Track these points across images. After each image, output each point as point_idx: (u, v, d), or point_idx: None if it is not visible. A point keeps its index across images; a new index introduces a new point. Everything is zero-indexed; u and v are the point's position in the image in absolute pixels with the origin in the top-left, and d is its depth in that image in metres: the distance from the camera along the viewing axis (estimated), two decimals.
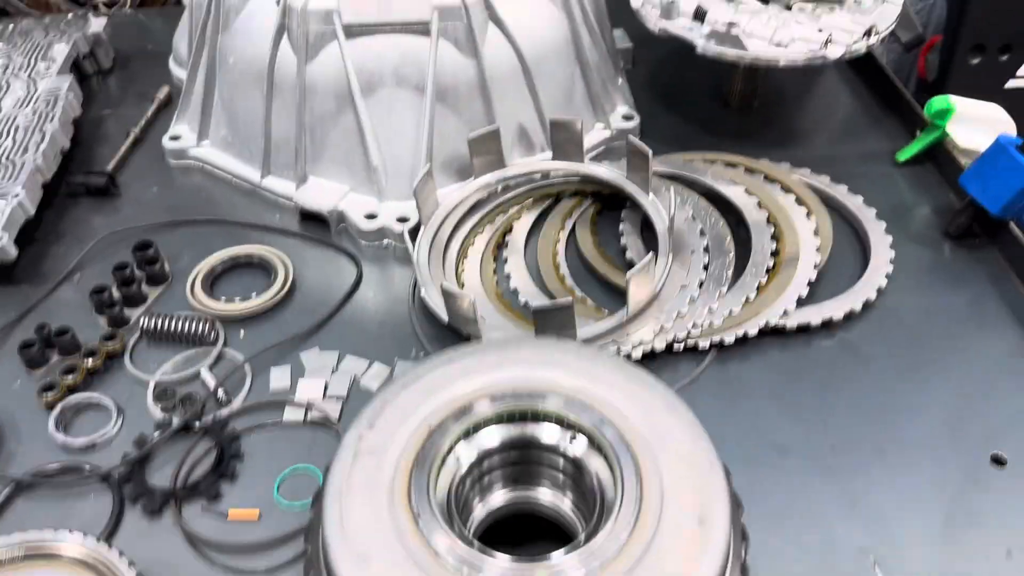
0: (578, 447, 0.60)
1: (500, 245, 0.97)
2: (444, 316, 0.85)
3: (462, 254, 0.95)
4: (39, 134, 1.00)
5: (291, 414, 0.80)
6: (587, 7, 1.03)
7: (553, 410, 0.60)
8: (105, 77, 1.24)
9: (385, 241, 0.97)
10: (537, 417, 0.60)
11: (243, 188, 1.04)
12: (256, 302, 0.89)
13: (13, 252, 0.88)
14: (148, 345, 0.86)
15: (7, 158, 0.97)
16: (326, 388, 0.81)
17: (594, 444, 0.59)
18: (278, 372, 0.83)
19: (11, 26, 1.22)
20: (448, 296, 0.82)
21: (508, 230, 0.98)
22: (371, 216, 0.97)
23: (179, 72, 1.19)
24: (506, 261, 0.94)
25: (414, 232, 0.95)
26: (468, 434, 0.59)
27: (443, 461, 0.57)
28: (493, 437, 0.60)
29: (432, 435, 0.58)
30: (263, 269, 0.94)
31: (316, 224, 1.00)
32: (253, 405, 0.80)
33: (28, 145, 0.98)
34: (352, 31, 0.91)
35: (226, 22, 0.97)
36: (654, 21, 1.02)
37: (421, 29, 0.92)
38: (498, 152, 0.98)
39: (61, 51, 1.14)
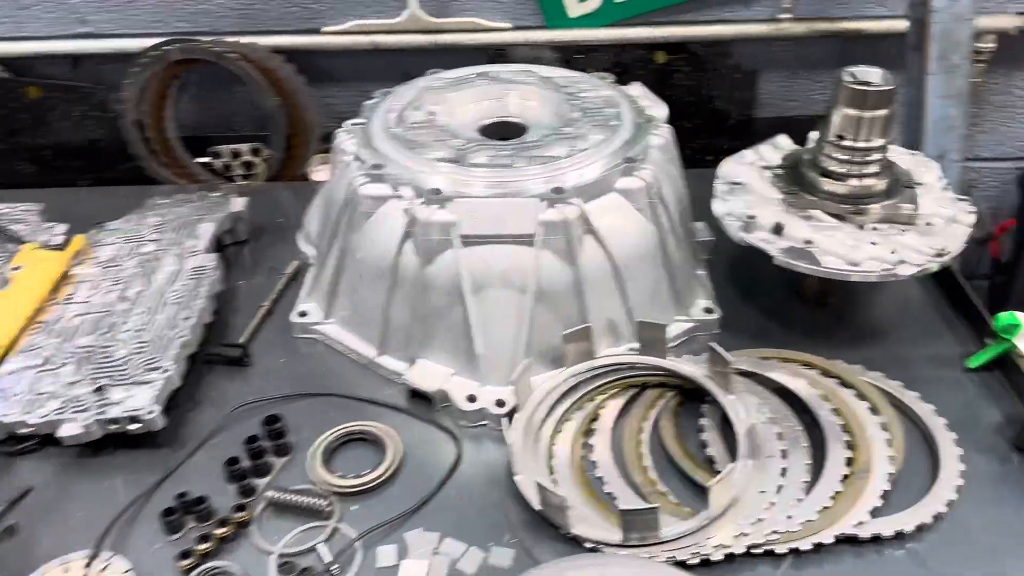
0: None
1: (588, 432, 1.05)
2: (535, 504, 0.93)
3: (553, 440, 1.03)
4: (187, 310, 1.15)
5: None
6: (673, 215, 1.15)
7: None
8: (242, 247, 1.40)
9: (484, 422, 1.07)
10: None
11: (359, 363, 1.17)
12: (368, 478, 0.99)
13: (162, 423, 1.01)
14: (273, 515, 0.97)
15: (160, 331, 1.11)
16: (428, 572, 0.90)
17: None
18: (385, 551, 0.92)
19: (160, 201, 1.40)
20: (542, 490, 0.91)
21: (595, 417, 1.07)
22: (471, 398, 1.07)
23: (307, 248, 1.35)
24: (592, 448, 1.03)
25: (510, 415, 1.05)
26: None
27: None
28: None
29: None
30: (375, 444, 1.04)
31: (422, 402, 1.11)
32: None
33: (177, 321, 1.13)
34: (467, 241, 1.04)
35: (358, 223, 1.11)
36: (734, 231, 1.13)
37: (527, 241, 1.04)
38: (589, 345, 1.09)
39: (207, 230, 1.31)
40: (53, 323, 1.16)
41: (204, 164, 1.60)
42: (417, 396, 1.11)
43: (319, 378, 1.16)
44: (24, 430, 1.02)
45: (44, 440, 1.04)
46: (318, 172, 1.59)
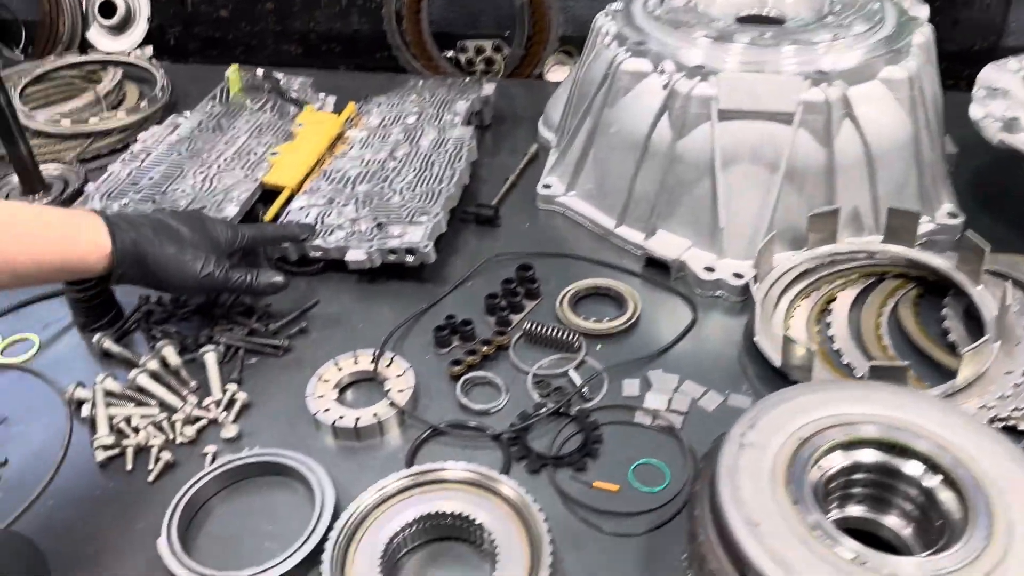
0: (934, 481, 0.70)
1: (823, 311, 1.09)
2: (775, 360, 0.98)
3: (789, 313, 1.08)
4: (451, 170, 1.27)
5: (640, 418, 0.96)
6: (930, 114, 1.14)
7: (921, 448, 0.71)
8: (484, 131, 1.52)
9: (719, 292, 1.12)
10: (905, 452, 0.72)
11: (597, 233, 1.25)
12: (611, 324, 1.07)
13: (434, 256, 1.13)
14: (525, 344, 1.07)
15: (428, 185, 1.24)
16: (669, 402, 0.97)
17: (949, 481, 0.69)
18: (630, 383, 1.00)
19: (420, 83, 1.54)
20: (788, 343, 0.95)
21: (832, 299, 1.10)
22: (710, 269, 1.13)
23: (546, 134, 1.44)
24: (829, 325, 1.06)
25: (745, 288, 1.10)
26: (846, 447, 0.71)
27: (817, 461, 0.70)
28: (868, 455, 0.72)
29: (807, 441, 0.71)
30: (615, 300, 1.13)
31: (656, 270, 1.17)
32: (609, 405, 0.98)
33: (443, 179, 1.25)
34: (725, 115, 1.09)
35: (614, 99, 1.19)
36: (993, 133, 1.11)
37: (784, 119, 1.08)
38: (832, 229, 1.11)
39: (463, 107, 1.43)
40: (333, 172, 1.32)
41: (449, 59, 1.72)
42: (652, 265, 1.18)
43: (560, 242, 1.25)
44: (315, 253, 1.18)
45: (326, 266, 1.20)
46: (554, 72, 1.68)
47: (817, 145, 1.09)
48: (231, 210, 1.23)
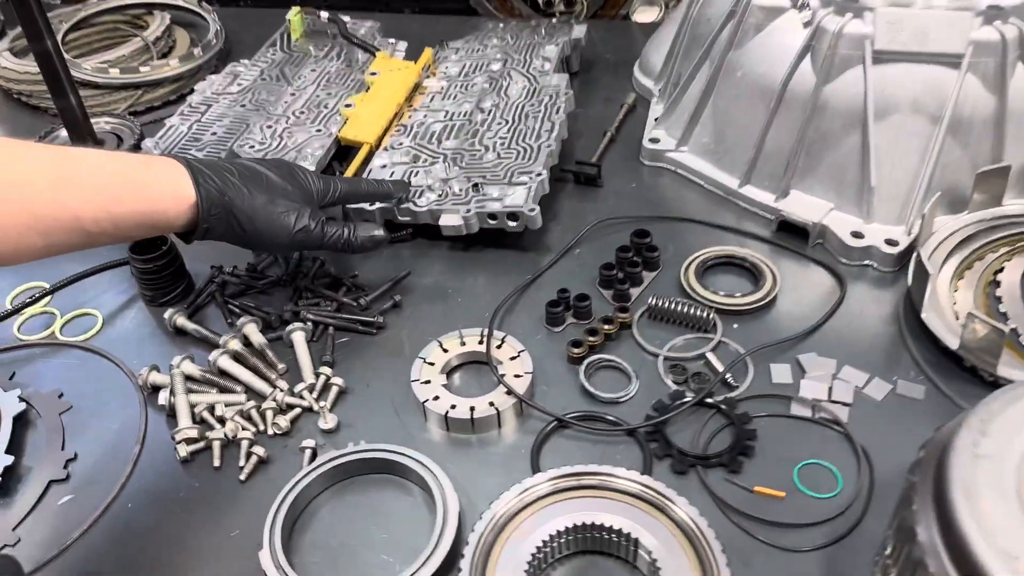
0: None
1: (990, 283, 0.95)
2: (951, 342, 0.85)
3: (952, 286, 0.94)
4: (548, 123, 1.13)
5: (797, 409, 0.84)
6: None
7: None
8: (572, 79, 1.37)
9: (868, 261, 0.99)
10: None
11: (715, 194, 1.11)
12: (749, 299, 0.94)
13: (540, 221, 1.00)
14: (648, 322, 0.95)
15: (525, 141, 1.10)
16: (830, 391, 0.85)
17: None
18: (779, 368, 0.87)
19: (500, 26, 1.39)
20: (971, 321, 0.82)
21: (999, 270, 0.96)
22: (857, 235, 0.99)
23: (645, 81, 1.30)
24: (1000, 299, 0.93)
25: (900, 257, 0.96)
26: None
27: None
28: None
29: None
30: (747, 271, 0.99)
31: (789, 236, 1.04)
32: (760, 394, 0.85)
33: (541, 133, 1.11)
34: (881, 58, 0.94)
35: (742, 40, 1.04)
36: None
37: (951, 62, 0.93)
38: (999, 190, 0.97)
39: (552, 52, 1.28)
40: (414, 127, 1.18)
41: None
42: (785, 229, 1.04)
43: (672, 204, 1.12)
44: (404, 217, 1.05)
45: (415, 231, 1.07)
46: (641, 12, 1.52)
47: (987, 92, 0.94)
48: (307, 165, 1.10)
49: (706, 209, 1.10)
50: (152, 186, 0.81)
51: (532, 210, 0.99)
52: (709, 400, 0.84)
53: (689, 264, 0.99)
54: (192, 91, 1.29)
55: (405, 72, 1.26)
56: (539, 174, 1.04)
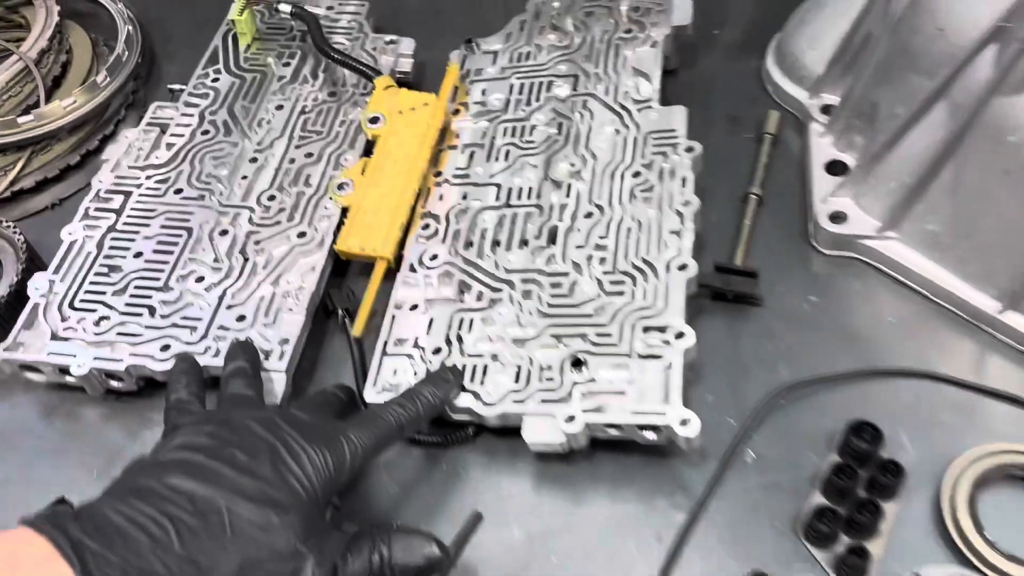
0: None
1: None
2: None
3: None
4: (672, 213, 0.69)
5: None
6: None
7: None
8: (669, 78, 0.91)
9: None
10: None
11: (951, 314, 0.70)
12: None
13: (697, 432, 0.59)
14: None
15: (639, 256, 0.68)
16: None
17: None
18: None
19: (555, 4, 0.91)
20: None
21: None
22: None
23: (788, 86, 0.83)
24: None
25: None
26: None
27: None
28: None
29: None
30: None
31: None
32: None
33: (663, 234, 0.68)
34: None
35: (1021, 82, 0.59)
36: None
37: None
38: None
39: (649, 58, 0.81)
40: (450, 217, 0.75)
41: None
42: None
43: (882, 337, 0.70)
44: (460, 415, 0.64)
45: (479, 427, 0.67)
46: None
47: None
48: (288, 331, 0.69)
49: (941, 345, 0.69)
50: None
51: (686, 422, 0.58)
52: None
53: (954, 480, 0.60)
54: (102, 154, 0.84)
55: (423, 114, 0.81)
56: (680, 334, 0.62)
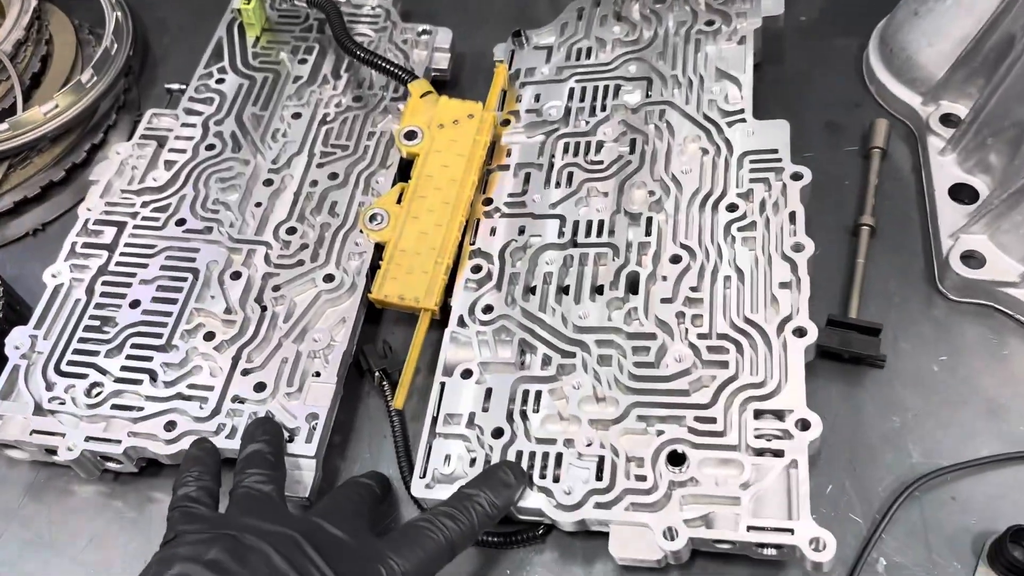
0: None
1: None
2: None
3: None
4: (781, 258, 0.57)
5: None
6: None
7: None
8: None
9: None
10: None
11: None
12: None
13: (832, 555, 0.48)
14: None
15: (742, 314, 0.56)
16: None
17: None
18: None
19: None
20: None
21: None
22: None
23: (896, 87, 0.70)
24: None
25: None
26: None
27: None
28: None
29: None
30: None
31: None
32: None
33: (770, 285, 0.56)
34: None
35: None
36: None
37: None
38: None
39: (736, 56, 0.68)
40: (504, 256, 0.62)
41: None
42: None
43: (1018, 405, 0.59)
44: (527, 516, 0.53)
45: (549, 526, 0.56)
46: None
47: None
48: (318, 403, 0.57)
49: None
50: None
51: (818, 543, 0.47)
52: None
53: None
54: (91, 174, 0.72)
55: (468, 128, 0.68)
56: (804, 424, 0.51)
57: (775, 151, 0.62)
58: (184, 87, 0.78)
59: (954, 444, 0.56)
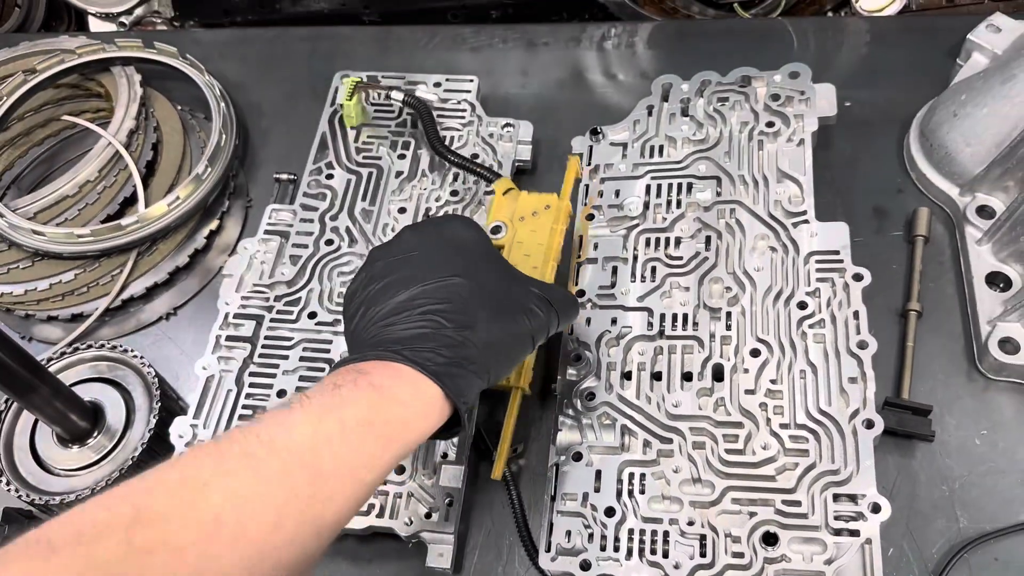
0: None
1: None
2: None
3: None
4: (850, 356, 0.67)
5: None
6: None
7: None
8: None
9: None
10: None
11: None
12: None
13: None
14: None
15: (818, 408, 0.65)
16: None
17: None
18: None
19: (683, 88, 0.85)
20: None
21: None
22: None
23: (934, 176, 0.79)
24: None
25: None
26: None
27: None
28: None
29: None
30: None
31: None
32: None
33: (842, 381, 0.66)
34: None
35: None
36: None
37: None
38: None
39: (795, 156, 0.77)
40: (590, 337, 0.72)
41: None
42: None
43: None
44: None
45: None
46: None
47: None
48: (451, 483, 0.67)
49: None
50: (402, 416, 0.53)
51: None
52: None
53: None
54: (208, 252, 0.81)
55: (546, 218, 0.74)
56: (876, 507, 0.60)
57: (837, 252, 0.72)
58: (292, 176, 0.87)
59: (996, 510, 0.66)
